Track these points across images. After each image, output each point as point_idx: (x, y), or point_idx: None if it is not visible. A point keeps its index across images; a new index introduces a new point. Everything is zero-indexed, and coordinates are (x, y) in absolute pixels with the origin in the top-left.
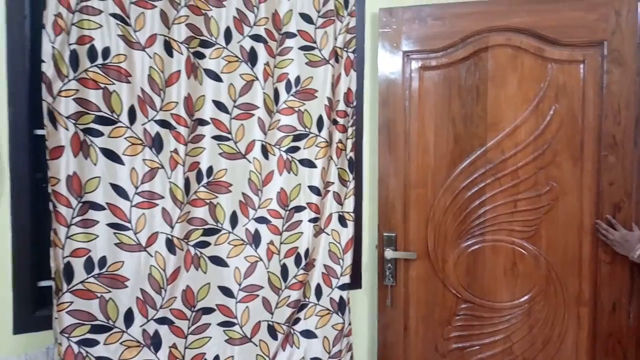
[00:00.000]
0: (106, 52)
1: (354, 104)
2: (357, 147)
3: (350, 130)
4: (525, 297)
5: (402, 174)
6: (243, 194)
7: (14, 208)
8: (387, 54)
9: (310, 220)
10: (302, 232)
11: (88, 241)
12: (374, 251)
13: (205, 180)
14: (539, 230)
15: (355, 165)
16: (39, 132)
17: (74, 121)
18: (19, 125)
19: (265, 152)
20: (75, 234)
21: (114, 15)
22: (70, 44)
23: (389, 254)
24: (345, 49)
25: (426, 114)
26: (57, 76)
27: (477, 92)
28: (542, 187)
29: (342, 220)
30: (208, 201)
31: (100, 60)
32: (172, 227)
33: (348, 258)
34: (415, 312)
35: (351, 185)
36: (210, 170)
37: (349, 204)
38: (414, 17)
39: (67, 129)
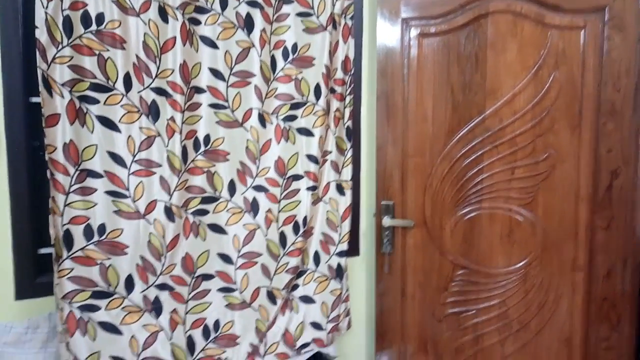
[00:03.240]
0: (100, 17)
1: (352, 72)
2: (355, 116)
3: (348, 99)
4: (521, 263)
5: (400, 143)
6: (241, 162)
7: (12, 176)
8: (385, 21)
9: (308, 189)
10: (300, 201)
11: (87, 209)
12: (371, 219)
13: (202, 148)
14: (535, 198)
15: (353, 134)
16: (35, 99)
17: (69, 88)
18: (13, 92)
19: (262, 120)
20: (73, 202)
21: None
22: (64, 10)
23: (386, 221)
24: (344, 16)
25: (425, 82)
26: (50, 42)
27: (477, 59)
28: (540, 154)
29: (340, 189)
30: (206, 169)
31: (94, 27)
32: (171, 195)
33: (346, 226)
34: (413, 278)
35: (349, 154)
36: (207, 138)
37: (347, 173)
38: None
39: (62, 96)
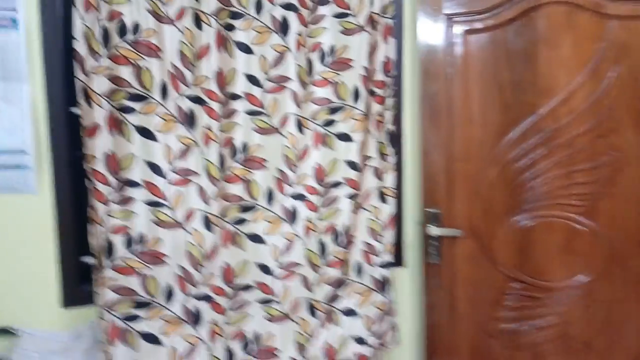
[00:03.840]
0: (136, 27)
1: (393, 73)
2: (398, 120)
3: (389, 102)
4: (582, 276)
5: (445, 147)
6: (279, 169)
7: (55, 185)
8: (427, 18)
9: (348, 197)
10: (340, 209)
11: (126, 218)
12: (417, 228)
13: (239, 156)
14: (597, 205)
15: (396, 139)
16: (75, 110)
17: (107, 98)
18: (55, 103)
19: (299, 126)
20: (113, 211)
21: None
22: (101, 20)
23: (433, 231)
24: (383, 15)
25: (471, 82)
26: (89, 53)
27: (527, 55)
28: (601, 157)
29: (383, 196)
30: (243, 177)
31: (130, 36)
32: (209, 204)
33: (389, 235)
34: (462, 291)
35: (391, 159)
36: (244, 145)
37: (390, 179)
38: None
39: (101, 106)
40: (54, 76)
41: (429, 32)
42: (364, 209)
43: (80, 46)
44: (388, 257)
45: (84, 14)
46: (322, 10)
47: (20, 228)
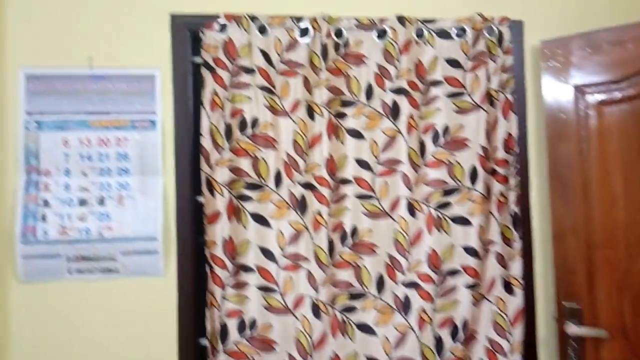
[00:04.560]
0: (254, 121)
1: (516, 151)
2: (523, 200)
3: (513, 181)
4: None
5: (582, 231)
6: (389, 255)
7: (180, 269)
8: (553, 91)
9: (467, 286)
10: (458, 300)
11: (240, 303)
12: (552, 325)
13: (349, 241)
14: None
15: (522, 221)
16: (199, 198)
17: (228, 188)
18: (183, 194)
19: (411, 209)
20: (229, 295)
21: (262, 87)
22: (224, 117)
23: (571, 329)
24: (502, 91)
25: (610, 159)
26: (213, 148)
27: None
28: None
29: (509, 287)
30: (353, 263)
31: (250, 130)
32: (318, 291)
33: (518, 332)
34: None
35: (517, 244)
36: (354, 230)
37: (516, 267)
38: (586, 44)
39: (222, 195)
40: (184, 169)
41: (555, 105)
42: (487, 300)
43: (206, 142)
44: (517, 358)
45: (211, 113)
46: (435, 91)
47: (147, 309)
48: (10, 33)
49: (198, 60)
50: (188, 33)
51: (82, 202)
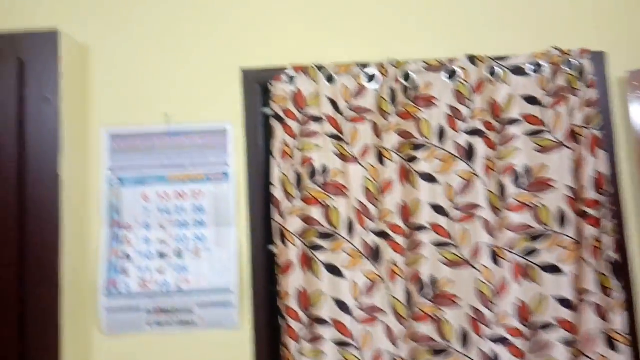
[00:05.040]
0: (324, 169)
1: (609, 190)
2: (621, 246)
3: (607, 224)
4: None
5: None
6: (472, 307)
7: (254, 322)
8: None
9: (563, 342)
10: (553, 357)
11: (316, 358)
12: None
13: (428, 292)
14: None
15: (622, 269)
16: (272, 248)
17: (300, 238)
18: (256, 244)
19: (495, 257)
20: (305, 350)
21: (330, 135)
22: (295, 167)
23: None
24: (587, 126)
25: None
26: (285, 197)
27: None
28: None
29: (611, 342)
30: (433, 316)
31: (320, 178)
32: (397, 346)
33: None
34: None
35: (619, 295)
36: (433, 280)
37: (619, 321)
38: None
39: (294, 245)
40: (256, 220)
41: None
42: (587, 357)
43: (277, 191)
44: None
45: (281, 162)
46: (512, 130)
47: None
48: (94, 96)
49: (268, 111)
50: (258, 86)
51: (161, 255)
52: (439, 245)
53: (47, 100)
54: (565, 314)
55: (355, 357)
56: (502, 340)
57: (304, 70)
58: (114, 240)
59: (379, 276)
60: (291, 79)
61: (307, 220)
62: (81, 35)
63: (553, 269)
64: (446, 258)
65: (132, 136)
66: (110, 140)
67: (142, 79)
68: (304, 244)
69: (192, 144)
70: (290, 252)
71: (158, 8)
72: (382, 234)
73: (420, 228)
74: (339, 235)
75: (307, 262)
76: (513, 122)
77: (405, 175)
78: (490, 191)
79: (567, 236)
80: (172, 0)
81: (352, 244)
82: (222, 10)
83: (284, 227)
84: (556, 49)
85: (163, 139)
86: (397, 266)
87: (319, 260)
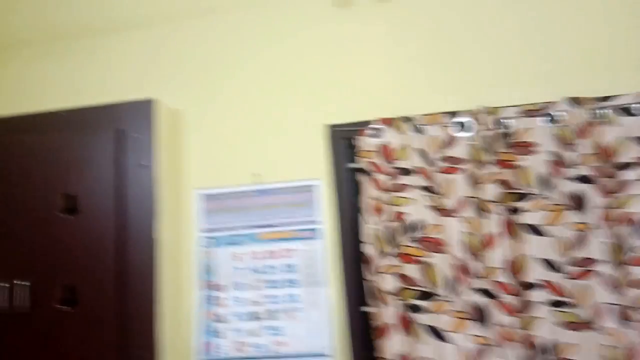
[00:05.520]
0: (419, 224)
1: None
2: None
3: None
4: None
5: None
6: None
7: None
8: None
9: None
10: None
11: None
12: None
13: (545, 358)
14: None
15: None
16: (364, 309)
17: (396, 297)
18: (350, 305)
19: (623, 318)
20: None
21: (423, 188)
22: (386, 222)
23: None
24: None
25: None
26: (377, 254)
27: None
28: None
29: None
30: None
31: (414, 234)
32: None
33: None
34: None
35: None
36: (550, 345)
37: None
38: None
39: (390, 306)
40: (349, 279)
41: None
42: None
43: (368, 248)
44: None
45: (371, 218)
46: (627, 174)
47: None
48: (186, 159)
49: (354, 166)
50: (343, 141)
51: (254, 316)
52: (554, 304)
53: (143, 166)
54: None
55: None
56: None
57: (390, 122)
58: (207, 302)
59: (488, 340)
60: (377, 132)
61: (403, 278)
62: (173, 102)
63: None
64: (564, 319)
65: (223, 196)
66: (202, 201)
67: (231, 141)
68: (402, 304)
69: (280, 202)
70: (386, 314)
71: (244, 72)
72: (487, 293)
73: (531, 286)
74: (440, 294)
75: (407, 325)
76: (627, 165)
77: (509, 228)
78: (608, 243)
79: None
80: (255, 65)
81: (454, 305)
82: (305, 70)
83: (378, 286)
84: None
85: (252, 198)
86: (508, 329)
87: (419, 323)
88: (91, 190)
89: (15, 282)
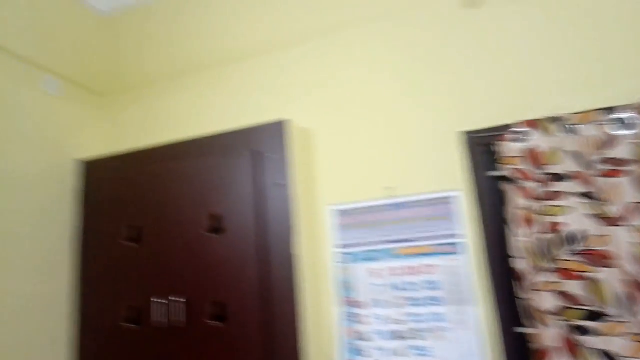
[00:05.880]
0: (580, 235)
1: None
2: None
3: None
4: None
5: None
6: None
7: None
8: None
9: None
10: None
11: None
12: None
13: None
14: None
15: None
16: (519, 330)
17: (557, 318)
18: (502, 325)
19: None
20: None
21: (581, 194)
22: (539, 234)
23: None
24: None
25: None
26: (530, 270)
27: None
28: None
29: None
30: None
31: (574, 246)
32: None
33: None
34: None
35: None
36: None
37: None
38: None
39: (551, 327)
40: (500, 297)
41: None
42: None
43: (520, 263)
44: None
45: (519, 230)
46: None
47: None
48: (319, 175)
49: (496, 174)
50: (481, 148)
51: (397, 335)
52: None
53: (279, 185)
54: None
55: None
56: None
57: (535, 124)
58: (348, 319)
59: None
60: (521, 135)
61: (565, 296)
62: (304, 121)
63: None
64: None
65: (356, 212)
66: (336, 217)
67: (362, 155)
68: (565, 325)
69: (417, 216)
70: (547, 336)
71: (371, 85)
72: None
73: None
74: (611, 314)
75: (572, 348)
76: None
77: None
78: None
79: None
80: (382, 76)
81: (631, 326)
82: (434, 76)
83: (533, 305)
84: None
85: (387, 213)
86: None
87: (589, 347)
88: (234, 210)
89: (170, 298)
